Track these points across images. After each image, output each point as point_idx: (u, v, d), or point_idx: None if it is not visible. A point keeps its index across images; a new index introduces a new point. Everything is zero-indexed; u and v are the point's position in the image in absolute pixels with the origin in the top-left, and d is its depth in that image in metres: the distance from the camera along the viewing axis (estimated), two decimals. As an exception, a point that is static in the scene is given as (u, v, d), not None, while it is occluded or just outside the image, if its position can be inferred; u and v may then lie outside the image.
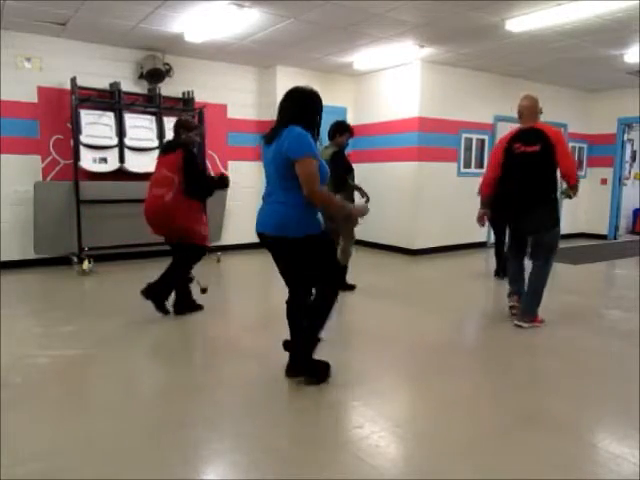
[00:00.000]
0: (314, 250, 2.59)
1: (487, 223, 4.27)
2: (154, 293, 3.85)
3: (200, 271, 4.22)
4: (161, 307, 3.91)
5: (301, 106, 2.56)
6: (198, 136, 4.07)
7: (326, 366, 2.81)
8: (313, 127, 2.58)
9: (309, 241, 2.54)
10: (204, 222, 3.90)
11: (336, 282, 2.78)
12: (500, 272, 5.62)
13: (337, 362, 3.05)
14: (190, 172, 3.61)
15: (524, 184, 3.76)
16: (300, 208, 2.50)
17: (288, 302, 2.81)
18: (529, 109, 3.86)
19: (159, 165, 3.81)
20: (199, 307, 4.18)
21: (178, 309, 4.05)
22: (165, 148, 3.91)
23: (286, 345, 2.81)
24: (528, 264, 3.99)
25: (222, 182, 3.91)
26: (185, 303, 4.08)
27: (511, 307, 4.10)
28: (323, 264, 2.67)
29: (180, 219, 3.65)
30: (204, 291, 4.35)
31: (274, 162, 2.51)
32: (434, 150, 7.21)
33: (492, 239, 7.75)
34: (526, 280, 3.96)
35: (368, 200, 5.04)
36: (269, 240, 2.62)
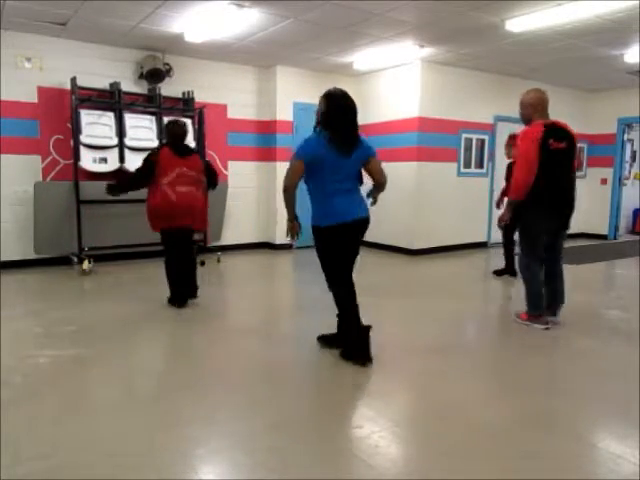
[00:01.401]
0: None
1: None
2: (192, 290, 4.35)
3: (200, 271, 4.23)
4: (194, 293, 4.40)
5: (354, 115, 3.07)
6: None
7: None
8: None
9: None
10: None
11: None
12: (509, 271, 5.62)
13: (337, 362, 3.06)
14: (213, 174, 4.49)
15: (564, 181, 3.69)
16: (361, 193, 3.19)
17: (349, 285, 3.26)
18: (545, 102, 3.70)
19: (180, 164, 4.11)
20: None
21: (192, 293, 4.41)
22: (184, 151, 4.24)
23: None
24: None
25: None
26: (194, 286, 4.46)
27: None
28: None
29: (204, 209, 4.42)
30: (202, 264, 5.57)
31: (357, 165, 3.10)
32: (434, 150, 7.21)
33: (492, 239, 7.81)
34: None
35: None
36: (362, 223, 3.12)
